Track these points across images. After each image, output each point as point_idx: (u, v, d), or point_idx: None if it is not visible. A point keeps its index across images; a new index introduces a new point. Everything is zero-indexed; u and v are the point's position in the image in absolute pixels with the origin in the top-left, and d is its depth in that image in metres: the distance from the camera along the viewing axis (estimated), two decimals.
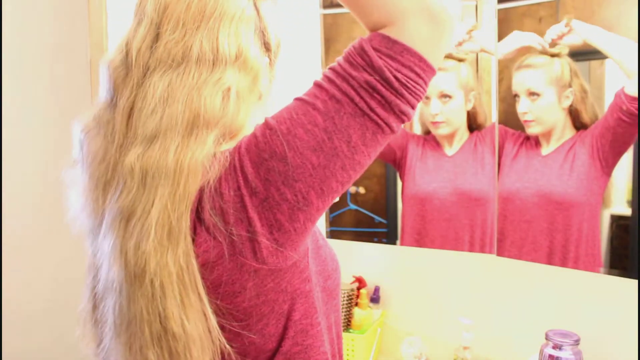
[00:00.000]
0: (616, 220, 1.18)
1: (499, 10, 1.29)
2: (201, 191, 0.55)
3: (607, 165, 1.17)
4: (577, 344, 1.12)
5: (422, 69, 0.55)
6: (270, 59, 0.67)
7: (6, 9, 1.50)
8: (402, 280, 1.60)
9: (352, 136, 0.54)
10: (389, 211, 1.54)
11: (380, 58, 0.54)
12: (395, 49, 0.54)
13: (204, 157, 0.55)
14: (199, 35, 0.59)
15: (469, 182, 1.39)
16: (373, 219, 1.56)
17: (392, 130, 0.56)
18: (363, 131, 0.54)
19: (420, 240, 1.49)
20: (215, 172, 0.55)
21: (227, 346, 0.57)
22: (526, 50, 1.26)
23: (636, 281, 1.13)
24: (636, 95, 1.10)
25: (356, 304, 1.54)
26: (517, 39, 1.27)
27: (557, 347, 1.12)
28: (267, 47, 0.67)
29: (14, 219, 1.54)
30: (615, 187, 1.17)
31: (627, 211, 1.16)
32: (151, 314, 0.55)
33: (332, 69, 0.56)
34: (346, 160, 0.55)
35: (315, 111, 0.54)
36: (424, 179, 1.46)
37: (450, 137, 1.41)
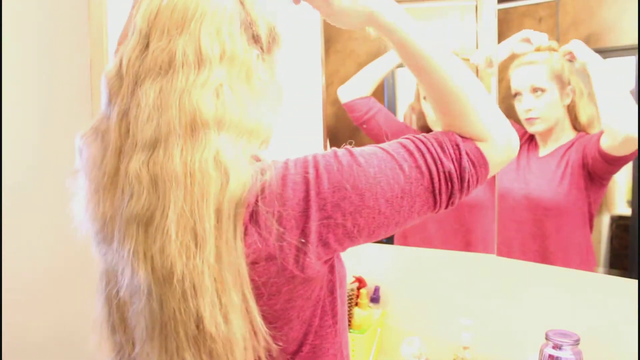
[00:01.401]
0: (616, 220, 1.18)
1: (499, 10, 1.29)
2: (257, 194, 0.57)
3: (601, 178, 1.17)
4: (577, 344, 1.12)
5: (484, 179, 0.68)
6: (262, 50, 0.67)
7: (6, 9, 1.50)
8: (402, 280, 1.60)
9: (416, 203, 0.63)
10: None
11: (469, 162, 0.65)
12: (479, 161, 0.66)
13: (218, 158, 0.57)
14: (182, 40, 0.60)
15: None
16: None
17: (437, 212, 0.66)
18: (424, 204, 0.63)
19: (407, 239, 1.49)
20: (271, 177, 0.58)
21: (273, 345, 0.59)
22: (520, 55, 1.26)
23: (636, 281, 1.13)
24: (607, 149, 1.13)
25: (356, 304, 1.54)
26: (512, 44, 1.27)
27: (557, 347, 1.12)
28: (255, 39, 0.66)
29: (14, 219, 1.54)
30: (615, 188, 1.17)
31: (627, 211, 1.15)
32: (184, 314, 0.55)
33: (424, 144, 0.64)
34: (401, 219, 0.62)
35: (401, 172, 0.61)
36: None
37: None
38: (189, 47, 0.60)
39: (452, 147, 0.65)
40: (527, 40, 1.24)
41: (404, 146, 0.64)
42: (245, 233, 0.57)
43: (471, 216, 1.40)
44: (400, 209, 0.61)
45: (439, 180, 0.63)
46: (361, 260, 1.63)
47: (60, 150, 1.55)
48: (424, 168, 0.62)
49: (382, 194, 0.60)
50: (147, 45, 0.61)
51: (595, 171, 1.16)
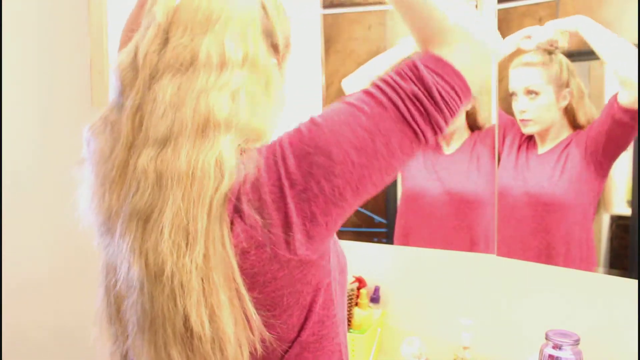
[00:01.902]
0: (616, 220, 1.18)
1: (499, 10, 1.29)
2: (239, 185, 0.57)
3: (602, 168, 1.17)
4: (577, 344, 1.12)
5: (463, 92, 0.61)
6: (278, 61, 0.68)
7: (6, 9, 1.50)
8: (402, 280, 1.60)
9: (392, 141, 0.58)
10: (389, 211, 1.54)
11: (430, 75, 0.59)
12: (445, 71, 0.60)
13: (220, 158, 0.57)
14: (206, 40, 0.60)
15: (463, 183, 1.39)
16: (373, 219, 1.56)
17: (427, 141, 0.61)
18: (402, 137, 0.59)
19: (409, 237, 1.49)
20: (250, 167, 0.57)
21: (268, 336, 0.59)
22: (522, 51, 1.25)
23: (636, 281, 1.13)
24: (628, 106, 1.09)
25: (356, 304, 1.54)
26: (515, 41, 1.26)
27: (557, 347, 1.12)
28: (275, 48, 0.68)
29: (14, 219, 1.54)
30: (615, 188, 1.17)
31: (627, 211, 1.15)
32: (172, 312, 0.56)
33: (382, 79, 0.60)
34: (383, 163, 0.58)
35: (361, 113, 0.58)
36: (420, 174, 1.45)
37: (448, 137, 1.40)
38: (212, 48, 0.60)
39: (409, 68, 0.60)
40: (529, 37, 1.23)
41: (364, 91, 0.60)
42: (232, 224, 0.57)
43: (473, 214, 1.40)
44: (376, 152, 0.58)
45: (405, 105, 0.58)
46: (361, 260, 1.63)
47: (60, 149, 1.55)
48: (384, 100, 0.58)
49: (349, 144, 0.57)
50: (166, 40, 0.61)
51: (611, 146, 1.14)
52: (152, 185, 0.57)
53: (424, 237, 1.47)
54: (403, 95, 0.58)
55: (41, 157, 1.57)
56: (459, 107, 0.61)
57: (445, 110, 0.60)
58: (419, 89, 0.58)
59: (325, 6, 1.56)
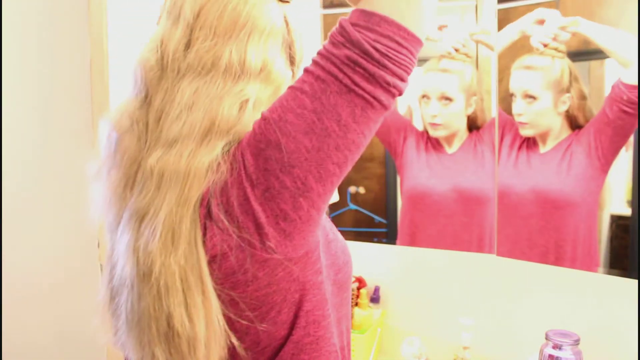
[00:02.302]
0: (616, 220, 1.18)
1: (499, 10, 1.29)
2: (209, 188, 0.57)
3: (607, 162, 1.17)
4: (577, 344, 1.12)
5: (403, 37, 0.54)
6: (293, 72, 0.69)
7: (6, 8, 1.50)
8: (402, 280, 1.60)
9: (341, 114, 0.54)
10: (389, 211, 1.54)
11: (358, 32, 0.53)
12: (373, 21, 0.54)
13: (211, 161, 0.57)
14: (229, 46, 0.61)
15: (469, 180, 1.39)
16: (373, 219, 1.56)
17: (383, 105, 0.55)
18: (352, 108, 0.54)
19: (416, 236, 1.49)
20: (222, 170, 0.57)
21: (236, 342, 0.59)
22: (526, 50, 1.25)
23: (636, 281, 1.13)
24: (635, 83, 1.10)
25: (356, 304, 1.54)
26: (512, 30, 1.26)
27: (557, 347, 1.12)
28: (292, 60, 0.68)
29: (14, 219, 1.54)
30: (614, 187, 1.17)
31: (627, 211, 1.15)
32: (157, 311, 0.57)
33: (318, 52, 0.56)
34: (339, 140, 0.54)
35: (303, 94, 0.54)
36: (423, 174, 1.45)
37: (450, 138, 1.41)
38: (235, 55, 0.60)
39: (338, 32, 0.55)
40: (542, 22, 1.22)
41: (304, 70, 0.56)
42: (206, 229, 0.57)
43: (481, 212, 1.39)
44: (327, 131, 0.54)
45: (344, 73, 0.53)
46: (361, 260, 1.63)
47: (60, 149, 1.55)
48: (322, 74, 0.54)
49: (297, 129, 0.54)
50: (190, 41, 0.61)
51: (618, 136, 1.14)
52: (155, 185, 0.58)
53: (431, 236, 1.46)
54: (338, 62, 0.53)
55: (41, 157, 1.57)
56: (407, 57, 0.55)
57: (390, 65, 0.54)
58: (353, 51, 0.53)
59: (325, 6, 1.56)
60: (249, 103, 0.60)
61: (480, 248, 1.38)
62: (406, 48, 0.55)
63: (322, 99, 0.54)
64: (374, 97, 0.54)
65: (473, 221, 1.40)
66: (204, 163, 0.57)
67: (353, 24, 0.54)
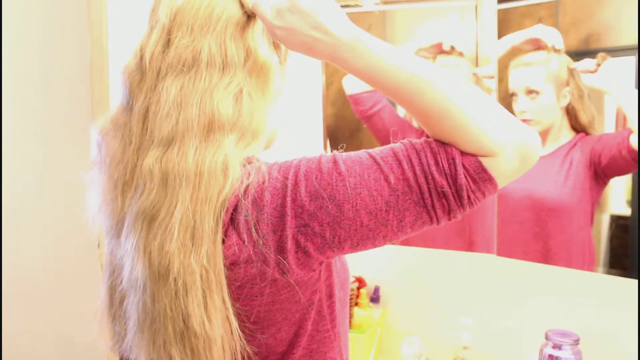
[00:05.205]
0: (616, 220, 1.17)
1: (499, 10, 1.29)
2: (238, 197, 0.57)
3: (606, 177, 1.17)
4: (577, 344, 1.12)
5: (491, 193, 0.59)
6: (279, 57, 0.68)
7: (6, 8, 1.50)
8: (402, 280, 1.60)
9: (406, 217, 0.57)
10: None
11: (465, 177, 0.57)
12: (481, 177, 0.57)
13: (225, 161, 0.57)
14: (207, 40, 0.61)
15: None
16: None
17: (438, 225, 0.60)
18: (417, 218, 0.58)
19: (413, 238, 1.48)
20: (255, 180, 0.57)
21: (247, 347, 0.59)
22: (521, 51, 1.25)
23: (636, 281, 1.13)
24: (637, 148, 1.08)
25: (356, 304, 1.54)
26: (515, 40, 1.26)
27: (557, 347, 1.12)
28: (276, 46, 0.68)
29: (14, 219, 1.54)
30: (614, 187, 1.17)
31: (626, 211, 1.15)
32: (174, 311, 0.57)
33: (417, 153, 0.58)
34: (390, 233, 0.58)
35: (385, 183, 0.57)
36: None
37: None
38: (214, 48, 0.60)
39: (448, 161, 0.57)
40: (537, 42, 1.22)
41: (394, 154, 0.58)
42: (226, 235, 0.57)
43: (474, 215, 1.39)
44: (387, 222, 0.57)
45: (430, 196, 0.57)
46: (361, 260, 1.63)
47: (60, 149, 1.55)
48: (412, 181, 0.57)
49: (363, 206, 0.56)
50: (169, 41, 0.61)
51: (610, 170, 1.14)
52: (158, 185, 0.58)
53: (423, 237, 1.46)
54: (432, 187, 0.57)
55: (41, 157, 1.57)
56: (480, 203, 0.60)
57: (468, 208, 0.59)
58: (450, 188, 0.57)
59: None
60: (244, 93, 0.60)
61: (470, 249, 1.38)
62: (485, 198, 0.60)
63: (399, 198, 0.57)
64: (438, 221, 0.59)
65: (466, 226, 1.39)
66: (216, 162, 0.57)
67: (464, 167, 0.57)
